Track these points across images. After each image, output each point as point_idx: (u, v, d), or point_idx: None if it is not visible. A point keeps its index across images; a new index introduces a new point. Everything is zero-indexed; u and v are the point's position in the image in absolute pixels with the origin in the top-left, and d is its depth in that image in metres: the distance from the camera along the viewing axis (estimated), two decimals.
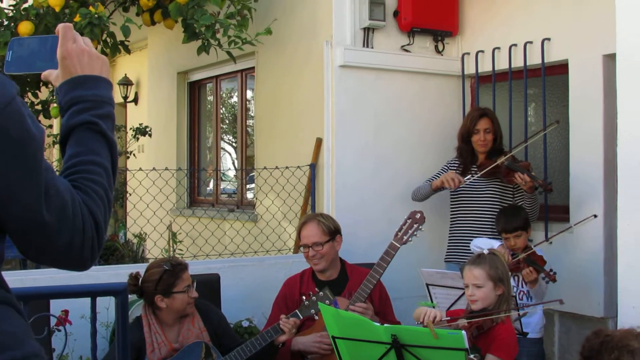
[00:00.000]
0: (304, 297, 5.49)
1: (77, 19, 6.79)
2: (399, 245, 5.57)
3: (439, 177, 6.90)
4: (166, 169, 7.82)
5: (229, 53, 7.50)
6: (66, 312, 5.48)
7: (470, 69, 7.85)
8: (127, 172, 7.99)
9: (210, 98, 10.59)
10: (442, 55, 7.92)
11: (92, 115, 2.16)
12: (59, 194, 1.96)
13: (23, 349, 2.01)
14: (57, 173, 2.05)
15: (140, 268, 5.58)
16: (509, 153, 6.63)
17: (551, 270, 5.96)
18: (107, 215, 2.11)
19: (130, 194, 8.83)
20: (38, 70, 2.27)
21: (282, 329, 5.37)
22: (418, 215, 5.63)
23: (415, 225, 5.60)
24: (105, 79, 2.26)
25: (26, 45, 2.29)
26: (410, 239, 5.60)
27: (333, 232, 6.00)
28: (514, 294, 5.67)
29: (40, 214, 1.92)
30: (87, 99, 2.18)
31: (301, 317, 5.42)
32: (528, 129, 7.40)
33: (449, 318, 4.69)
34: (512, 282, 5.55)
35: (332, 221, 6.11)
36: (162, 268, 5.30)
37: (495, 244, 6.05)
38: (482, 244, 5.92)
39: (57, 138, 10.94)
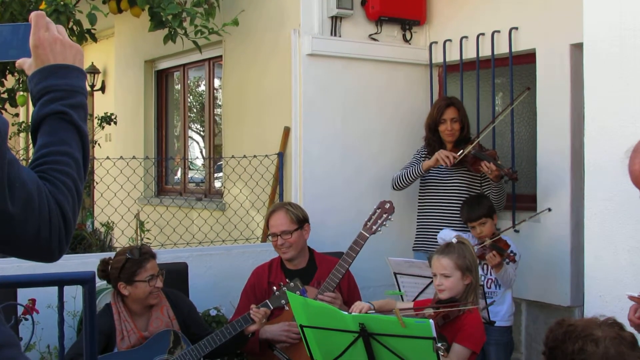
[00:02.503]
0: (274, 287, 5.48)
1: (43, 6, 6.73)
2: (368, 235, 5.58)
3: (413, 165, 6.90)
4: (134, 157, 7.78)
5: (195, 43, 7.47)
6: (33, 301, 5.46)
7: (437, 58, 7.87)
8: (95, 160, 7.94)
9: (178, 86, 10.54)
10: (409, 44, 7.92)
11: (64, 104, 2.14)
12: (24, 186, 1.95)
13: None
14: (23, 163, 2.02)
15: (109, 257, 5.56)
16: (476, 140, 6.63)
17: (511, 251, 5.99)
18: (77, 207, 2.09)
19: (97, 183, 8.78)
20: (10, 58, 2.25)
21: (253, 318, 5.36)
22: (387, 205, 5.64)
23: (385, 215, 5.61)
24: (78, 68, 2.24)
25: None
26: (379, 229, 5.61)
27: (301, 220, 6.00)
28: (482, 283, 5.70)
29: (5, 206, 1.90)
30: (59, 88, 2.16)
31: (272, 307, 5.40)
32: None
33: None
34: (480, 271, 5.57)
35: (300, 210, 6.10)
36: (125, 256, 5.30)
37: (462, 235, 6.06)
38: (449, 235, 5.90)
39: (23, 126, 10.85)
